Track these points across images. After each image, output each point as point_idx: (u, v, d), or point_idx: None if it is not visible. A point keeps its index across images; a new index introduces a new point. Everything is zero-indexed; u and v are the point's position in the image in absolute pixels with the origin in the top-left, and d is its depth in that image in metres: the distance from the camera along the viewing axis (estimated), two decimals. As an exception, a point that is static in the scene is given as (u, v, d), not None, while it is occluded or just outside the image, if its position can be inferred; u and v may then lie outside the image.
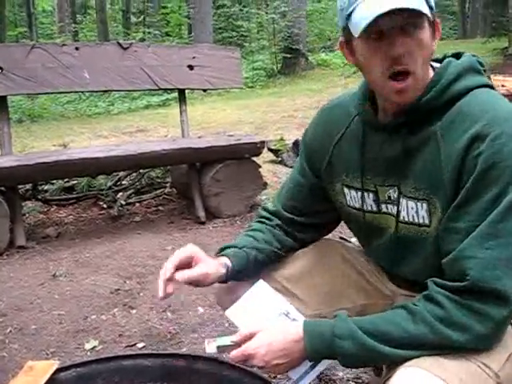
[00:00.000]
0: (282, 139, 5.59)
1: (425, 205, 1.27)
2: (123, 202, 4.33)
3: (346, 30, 1.24)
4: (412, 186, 1.29)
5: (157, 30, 18.55)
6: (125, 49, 4.07)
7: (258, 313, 1.36)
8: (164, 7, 21.45)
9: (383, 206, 1.39)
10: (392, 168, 1.33)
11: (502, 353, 1.18)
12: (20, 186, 3.90)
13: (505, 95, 4.27)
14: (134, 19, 23.59)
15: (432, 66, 1.30)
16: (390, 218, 1.38)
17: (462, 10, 27.85)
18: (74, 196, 4.50)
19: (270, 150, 5.38)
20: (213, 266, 1.42)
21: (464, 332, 1.13)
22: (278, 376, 1.89)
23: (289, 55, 14.43)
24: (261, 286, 1.41)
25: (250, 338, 1.26)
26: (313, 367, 1.28)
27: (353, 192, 1.44)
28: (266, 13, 16.14)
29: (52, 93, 4.62)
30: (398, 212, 1.34)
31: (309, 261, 1.57)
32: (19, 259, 3.41)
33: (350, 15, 1.21)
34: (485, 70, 1.31)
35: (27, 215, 4.14)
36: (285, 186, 1.62)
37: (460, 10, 28.02)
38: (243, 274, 1.48)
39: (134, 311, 2.71)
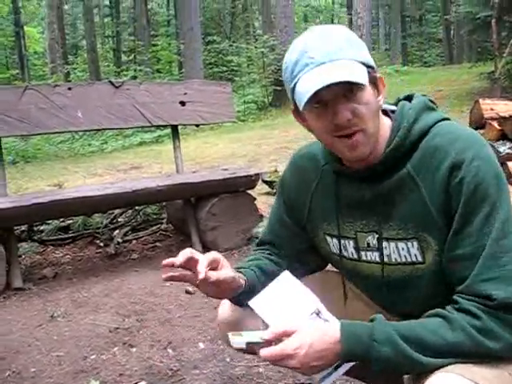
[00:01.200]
0: (276, 171, 5.61)
1: (415, 243, 1.30)
2: (120, 240, 4.32)
3: (294, 101, 1.31)
4: (398, 227, 1.32)
5: (148, 67, 18.76)
6: (117, 87, 4.11)
7: (286, 307, 1.31)
8: (154, 45, 21.72)
9: (363, 253, 1.42)
10: (369, 213, 1.36)
11: None
12: (15, 228, 3.88)
13: (493, 118, 4.30)
14: (124, 58, 23.90)
15: (387, 113, 1.37)
16: (372, 266, 1.40)
17: (448, 36, 28.29)
18: (70, 235, 4.49)
19: (264, 181, 5.40)
20: (236, 273, 1.41)
21: (499, 341, 1.15)
22: None
23: (279, 87, 14.57)
24: (286, 276, 1.37)
25: (283, 336, 1.21)
26: (336, 368, 1.26)
27: (334, 240, 1.47)
28: (256, 47, 16.36)
29: (46, 133, 4.64)
30: (382, 257, 1.36)
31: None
32: (16, 301, 3.39)
33: (293, 88, 1.28)
34: (437, 106, 1.38)
35: (23, 256, 4.13)
36: (267, 232, 1.62)
37: (445, 36, 28.45)
38: (254, 290, 1.46)
39: (134, 349, 2.68)
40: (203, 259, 1.31)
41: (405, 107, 1.34)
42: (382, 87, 1.32)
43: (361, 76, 1.23)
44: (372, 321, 1.23)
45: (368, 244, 1.39)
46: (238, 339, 1.27)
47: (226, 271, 1.37)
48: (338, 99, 1.24)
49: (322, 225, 1.49)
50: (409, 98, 1.39)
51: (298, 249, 1.56)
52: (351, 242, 1.43)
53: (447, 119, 1.34)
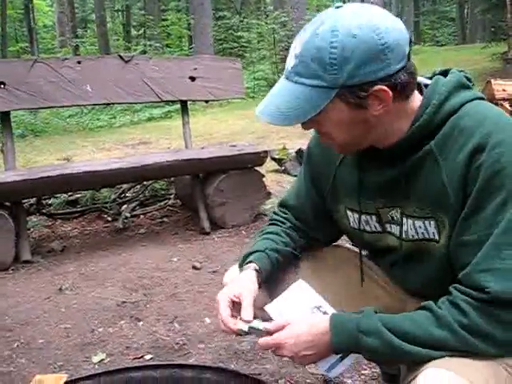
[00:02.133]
0: (284, 148, 5.60)
1: (433, 222, 1.28)
2: (128, 215, 4.33)
3: None
4: (416, 205, 1.30)
5: (157, 42, 18.63)
6: (126, 62, 4.09)
7: (294, 308, 1.37)
8: (164, 19, 21.55)
9: (387, 225, 1.41)
10: (391, 191, 1.34)
11: None
12: (24, 201, 3.90)
13: (505, 99, 4.28)
14: (134, 32, 23.76)
15: (420, 87, 1.31)
16: (393, 239, 1.40)
17: (461, 15, 27.96)
18: (79, 209, 4.51)
19: (273, 159, 5.39)
20: (252, 286, 1.43)
21: (487, 340, 1.13)
22: None
23: (290, 64, 14.45)
24: (300, 284, 1.42)
25: (282, 328, 1.29)
26: (341, 360, 1.31)
27: (355, 214, 1.47)
28: (266, 23, 16.21)
29: (55, 107, 4.63)
30: (401, 232, 1.36)
31: (327, 273, 1.59)
32: (25, 274, 3.42)
33: None
34: (473, 84, 1.33)
35: (32, 230, 4.15)
36: (292, 195, 1.64)
37: (459, 15, 28.11)
38: (269, 276, 1.51)
39: (141, 323, 2.70)
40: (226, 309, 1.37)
41: (438, 83, 1.29)
42: (378, 101, 1.20)
43: (296, 112, 1.20)
44: (361, 313, 1.24)
45: (392, 217, 1.38)
46: (243, 324, 1.34)
47: (248, 299, 1.38)
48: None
49: (345, 199, 1.48)
50: (445, 73, 1.33)
51: (317, 217, 1.57)
52: (373, 217, 1.43)
53: (481, 98, 1.30)
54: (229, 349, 2.40)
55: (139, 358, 2.39)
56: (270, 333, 1.30)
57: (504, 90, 4.86)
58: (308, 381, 2.14)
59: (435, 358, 1.15)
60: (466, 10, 27.82)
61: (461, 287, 1.18)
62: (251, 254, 1.52)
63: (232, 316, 1.36)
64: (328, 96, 1.18)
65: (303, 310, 1.36)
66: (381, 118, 1.24)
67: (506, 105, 4.65)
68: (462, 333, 1.13)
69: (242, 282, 1.42)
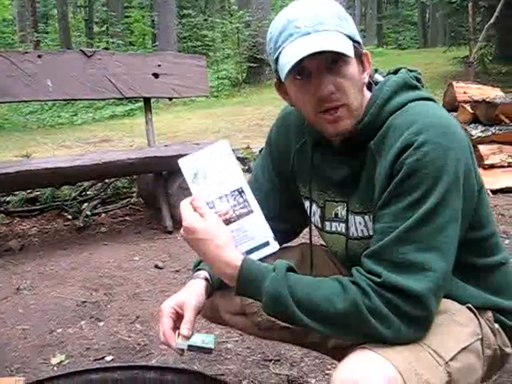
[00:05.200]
0: (248, 147, 5.59)
1: (372, 216, 1.29)
2: (89, 213, 4.25)
3: (277, 73, 1.28)
4: (357, 201, 1.33)
5: (120, 39, 18.43)
6: (89, 57, 4.01)
7: (212, 176, 1.29)
8: (127, 16, 21.32)
9: (327, 223, 1.43)
10: (341, 187, 1.37)
11: (456, 344, 1.21)
12: (-19, 198, 3.79)
13: (466, 101, 4.34)
14: (96, 29, 23.45)
15: (375, 83, 1.34)
16: (336, 237, 1.41)
17: (423, 19, 28.43)
18: (38, 207, 4.40)
19: (236, 158, 5.36)
20: (196, 299, 1.39)
21: (385, 323, 1.14)
22: None
23: (253, 64, 14.50)
24: (223, 145, 1.31)
25: (194, 209, 1.26)
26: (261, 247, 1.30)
27: (307, 202, 1.48)
28: (231, 22, 16.20)
29: (14, 101, 4.51)
30: (348, 230, 1.37)
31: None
32: (-19, 273, 3.32)
33: (277, 59, 1.26)
34: (422, 85, 1.34)
35: (-11, 228, 4.04)
36: (252, 181, 1.60)
37: (420, 19, 28.58)
38: (222, 281, 1.46)
39: (102, 323, 2.65)
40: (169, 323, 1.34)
41: (385, 83, 1.30)
42: (368, 64, 1.30)
43: (346, 48, 1.20)
44: (274, 269, 1.22)
45: (336, 214, 1.40)
46: (182, 341, 1.30)
47: (190, 312, 1.34)
48: (321, 71, 1.22)
49: (300, 185, 1.50)
50: (397, 72, 1.35)
51: (279, 204, 1.55)
52: (318, 211, 1.45)
53: (427, 99, 1.30)
54: (192, 349, 2.37)
55: (100, 359, 2.33)
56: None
57: (465, 93, 4.94)
58: (272, 381, 2.13)
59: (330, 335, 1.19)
60: (427, 15, 28.29)
61: (361, 270, 1.19)
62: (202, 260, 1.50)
63: (175, 327, 1.33)
64: (349, 42, 1.23)
65: (221, 185, 1.28)
66: (363, 94, 1.29)
67: (468, 107, 4.71)
68: (366, 313, 1.14)
69: (186, 293, 1.40)
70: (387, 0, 30.84)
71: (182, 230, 1.27)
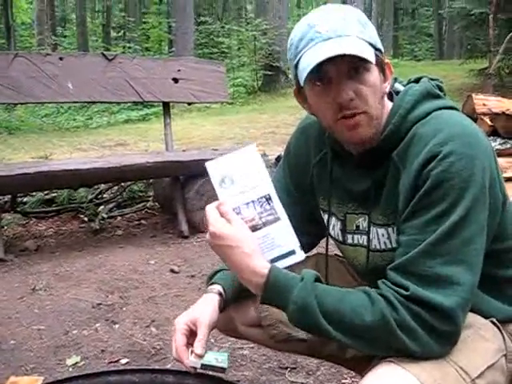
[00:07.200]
0: (264, 154, 5.57)
1: (395, 228, 1.27)
2: (105, 216, 4.26)
3: (297, 79, 1.26)
4: (379, 213, 1.30)
5: (137, 44, 18.55)
6: (109, 60, 4.03)
7: (240, 181, 1.26)
8: (144, 22, 21.46)
9: (349, 236, 1.40)
10: (362, 199, 1.34)
11: (482, 362, 1.18)
12: (-1, 198, 3.81)
13: (486, 114, 4.29)
14: (113, 34, 23.60)
15: (396, 93, 1.32)
16: (357, 250, 1.39)
17: (439, 31, 28.36)
18: (54, 209, 4.42)
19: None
20: (209, 315, 1.38)
21: (412, 336, 1.12)
22: None
23: (269, 72, 14.53)
24: (251, 150, 1.28)
25: (221, 214, 1.23)
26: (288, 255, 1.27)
27: (326, 215, 1.46)
28: (247, 30, 16.23)
29: (35, 103, 4.55)
30: (369, 242, 1.34)
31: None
32: (-3, 272, 3.33)
33: (297, 65, 1.23)
34: (444, 94, 1.32)
35: (5, 228, 4.05)
36: None
37: (437, 31, 28.52)
38: (239, 292, 1.46)
39: (117, 326, 2.64)
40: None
41: (407, 92, 1.28)
42: (389, 73, 1.28)
43: (368, 54, 1.18)
44: (301, 279, 1.20)
45: (357, 227, 1.37)
46: (195, 359, 1.29)
47: (203, 330, 1.33)
48: (341, 77, 1.20)
49: (319, 198, 1.47)
50: (419, 81, 1.33)
51: (297, 217, 1.46)
52: (339, 224, 1.42)
53: (451, 108, 1.28)
54: (207, 355, 2.35)
55: (115, 361, 2.33)
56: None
57: (484, 105, 4.89)
58: (287, 388, 2.11)
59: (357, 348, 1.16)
60: (444, 27, 28.23)
61: (388, 283, 1.17)
62: (216, 272, 1.48)
63: (188, 344, 1.32)
64: (371, 50, 1.20)
65: (249, 196, 1.25)
66: (384, 103, 1.27)
67: (487, 119, 4.68)
68: (394, 326, 1.12)
69: (200, 309, 1.38)
70: (404, 11, 30.79)
71: (207, 235, 1.24)
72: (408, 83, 1.34)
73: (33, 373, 2.24)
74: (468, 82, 11.94)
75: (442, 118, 1.23)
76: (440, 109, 1.26)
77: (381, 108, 1.26)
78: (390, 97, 1.32)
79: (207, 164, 1.27)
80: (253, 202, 1.26)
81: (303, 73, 1.19)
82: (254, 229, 1.25)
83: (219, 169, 1.27)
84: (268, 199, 1.26)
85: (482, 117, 4.75)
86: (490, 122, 4.66)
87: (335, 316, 1.15)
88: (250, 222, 1.25)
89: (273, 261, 1.25)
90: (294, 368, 2.24)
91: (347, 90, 1.19)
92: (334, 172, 1.40)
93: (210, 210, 1.24)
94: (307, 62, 1.18)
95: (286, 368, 2.24)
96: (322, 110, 1.26)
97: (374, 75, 1.22)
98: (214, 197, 1.29)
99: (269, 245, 1.26)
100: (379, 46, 1.25)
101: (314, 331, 1.20)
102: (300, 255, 1.27)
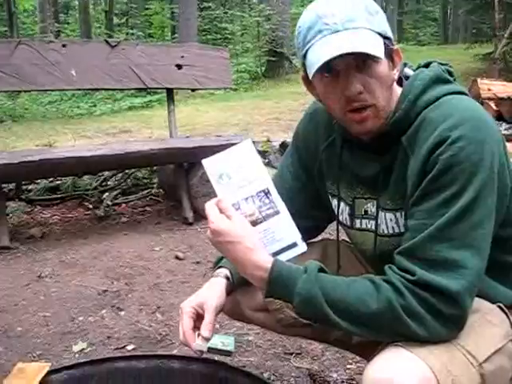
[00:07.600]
0: (268, 141, 5.55)
1: (403, 213, 1.27)
2: (109, 203, 4.27)
3: (304, 67, 1.26)
4: (388, 198, 1.30)
5: (140, 31, 18.48)
6: (112, 47, 4.01)
7: (238, 177, 1.27)
8: (147, 9, 21.36)
9: (357, 221, 1.40)
10: (370, 184, 1.34)
11: (489, 346, 1.19)
12: (3, 186, 3.81)
13: (491, 98, 4.29)
14: (116, 20, 23.49)
15: (405, 77, 1.32)
16: (365, 234, 1.39)
17: (444, 16, 28.16)
18: (59, 196, 4.43)
19: (257, 152, 5.34)
20: (216, 299, 1.39)
21: (418, 321, 1.12)
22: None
23: (273, 58, 14.46)
24: (247, 145, 1.30)
25: (220, 210, 1.24)
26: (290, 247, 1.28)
27: (335, 200, 1.46)
28: (251, 15, 16.14)
29: (38, 90, 4.54)
30: (377, 226, 1.34)
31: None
32: (3, 260, 3.34)
33: (305, 55, 1.23)
34: (454, 79, 1.31)
35: (11, 215, 4.06)
36: (277, 177, 1.58)
37: (441, 16, 28.31)
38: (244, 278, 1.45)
39: (123, 313, 2.65)
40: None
41: (417, 77, 1.28)
42: (398, 60, 1.27)
43: (377, 48, 1.18)
44: (305, 270, 1.20)
45: (366, 211, 1.38)
46: (202, 342, 1.30)
47: (210, 313, 1.34)
48: (350, 70, 1.20)
49: (327, 183, 1.48)
50: (429, 65, 1.32)
51: (304, 202, 1.52)
52: (347, 208, 1.42)
53: (461, 93, 1.28)
54: (212, 340, 2.37)
55: (121, 348, 2.34)
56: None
57: (489, 90, 4.88)
58: (293, 374, 2.12)
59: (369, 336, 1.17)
60: (448, 11, 28.02)
61: (394, 268, 1.17)
62: (223, 257, 1.48)
63: (194, 327, 1.33)
64: (380, 41, 1.20)
65: (247, 191, 1.27)
66: (392, 90, 1.26)
67: (492, 104, 4.66)
68: (400, 312, 1.12)
69: (207, 292, 1.40)
70: (408, -5, 30.59)
71: (208, 232, 1.25)
72: (417, 68, 1.34)
73: (40, 359, 2.26)
74: (473, 67, 11.86)
75: (452, 103, 1.23)
76: (449, 94, 1.26)
77: (389, 97, 1.25)
78: (400, 82, 1.32)
79: (204, 161, 1.28)
80: (252, 196, 1.27)
81: (312, 67, 1.20)
82: (255, 223, 1.26)
83: (216, 165, 1.28)
84: (267, 193, 1.27)
85: (487, 101, 4.74)
86: (495, 107, 4.65)
87: (341, 305, 1.16)
88: (250, 216, 1.26)
89: (275, 254, 1.25)
90: (299, 353, 2.25)
91: (355, 83, 1.20)
92: (342, 157, 1.40)
93: (210, 207, 1.25)
94: (316, 57, 1.18)
95: (291, 353, 2.25)
96: (331, 102, 1.27)
97: (382, 66, 1.21)
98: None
99: (270, 238, 1.27)
100: (389, 33, 1.24)
101: (321, 321, 1.20)
102: (302, 247, 1.28)
